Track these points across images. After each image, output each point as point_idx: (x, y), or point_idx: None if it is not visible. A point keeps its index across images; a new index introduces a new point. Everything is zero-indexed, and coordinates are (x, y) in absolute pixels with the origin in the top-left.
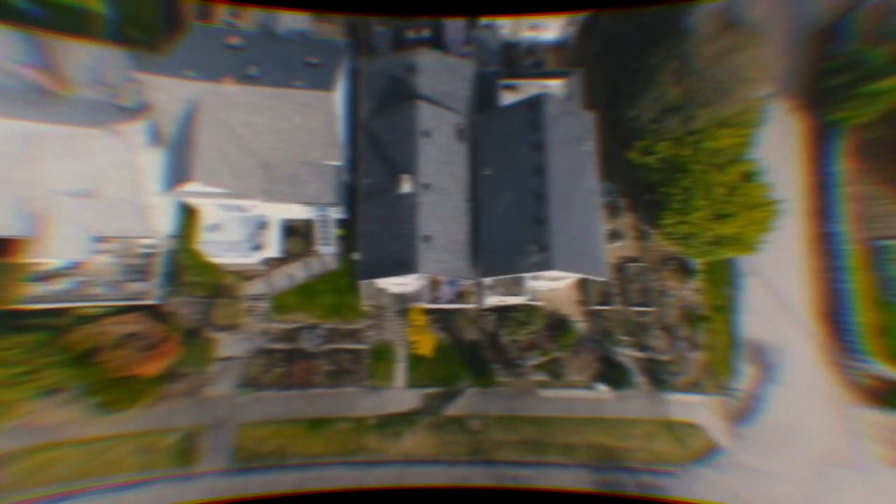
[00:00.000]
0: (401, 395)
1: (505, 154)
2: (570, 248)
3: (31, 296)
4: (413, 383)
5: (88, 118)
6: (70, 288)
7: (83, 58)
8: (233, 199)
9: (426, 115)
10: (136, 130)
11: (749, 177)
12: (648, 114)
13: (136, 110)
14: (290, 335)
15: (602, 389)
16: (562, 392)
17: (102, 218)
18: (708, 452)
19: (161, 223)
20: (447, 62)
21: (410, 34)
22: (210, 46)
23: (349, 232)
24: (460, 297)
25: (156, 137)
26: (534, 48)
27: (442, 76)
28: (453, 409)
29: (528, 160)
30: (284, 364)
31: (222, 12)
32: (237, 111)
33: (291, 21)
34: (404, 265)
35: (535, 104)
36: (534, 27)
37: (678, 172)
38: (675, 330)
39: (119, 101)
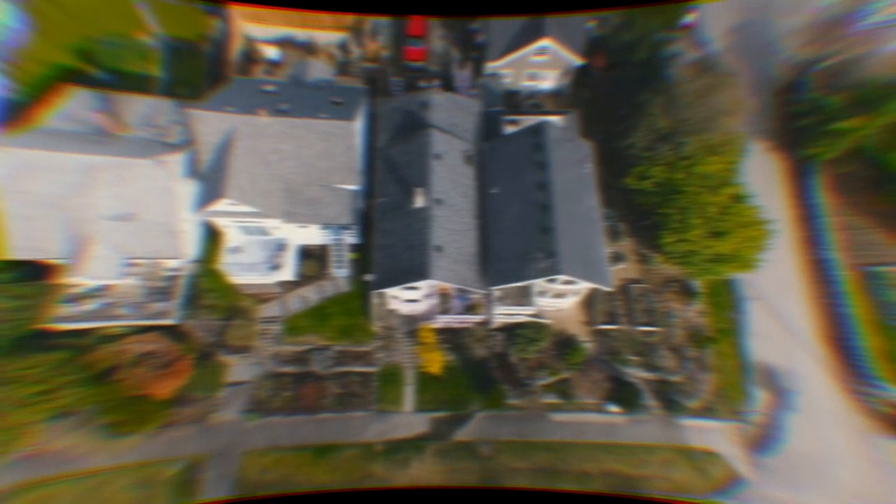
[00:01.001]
0: (409, 420)
1: (510, 174)
2: (575, 255)
3: (61, 316)
4: (421, 407)
5: (138, 151)
6: (97, 308)
7: (139, 107)
8: (258, 218)
9: (438, 140)
10: (176, 161)
11: (739, 199)
12: (641, 142)
13: (179, 145)
14: (300, 357)
15: (613, 410)
16: (573, 416)
17: (137, 239)
18: (731, 483)
19: (188, 245)
20: (456, 100)
21: (422, 83)
22: (247, 92)
23: (362, 255)
24: (470, 309)
25: (193, 167)
26: (533, 95)
27: (451, 111)
28: (462, 434)
29: (532, 178)
30: (293, 387)
31: (260, 69)
32: (267, 139)
33: (318, 72)
34: (417, 272)
35: (537, 130)
36: (533, 77)
37: (673, 194)
38: (682, 350)
39: (166, 139)
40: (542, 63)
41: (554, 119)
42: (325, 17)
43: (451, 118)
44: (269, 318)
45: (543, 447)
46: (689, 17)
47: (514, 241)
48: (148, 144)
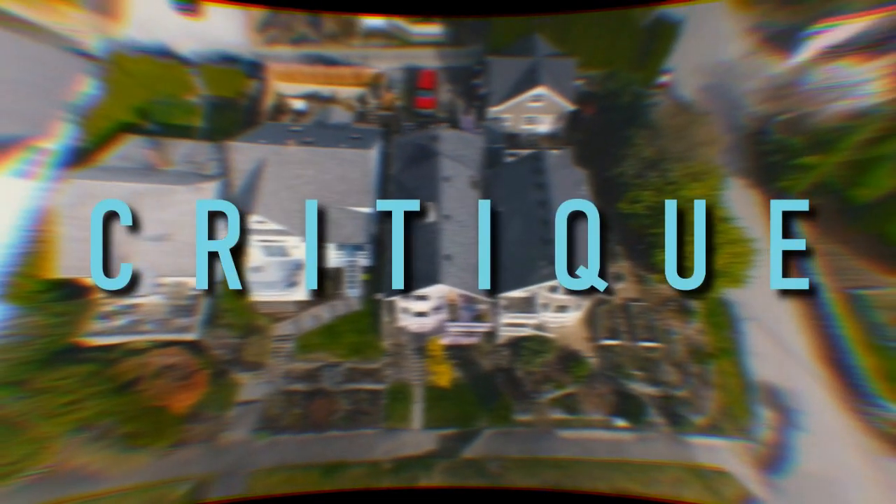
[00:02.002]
0: (417, 438)
1: (513, 194)
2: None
3: (93, 331)
4: (430, 424)
5: (178, 181)
6: (125, 324)
7: (182, 148)
8: (281, 235)
9: (446, 165)
10: (211, 187)
11: (724, 220)
12: (630, 170)
13: (214, 175)
14: (311, 374)
15: (620, 425)
16: (581, 432)
17: (169, 259)
18: (743, 503)
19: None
20: (462, 136)
21: (432, 127)
22: (277, 131)
23: (374, 276)
24: (478, 318)
25: (225, 193)
26: (531, 136)
27: (458, 145)
28: (470, 452)
29: (534, 196)
30: (304, 404)
31: (288, 118)
32: (292, 166)
33: (339, 117)
34: (429, 278)
35: (537, 156)
36: (530, 121)
37: (663, 215)
38: (684, 366)
39: (202, 171)
40: (538, 108)
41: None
42: (347, 73)
43: (458, 150)
44: (283, 335)
45: (552, 465)
46: (665, 78)
47: (519, 252)
48: (187, 175)
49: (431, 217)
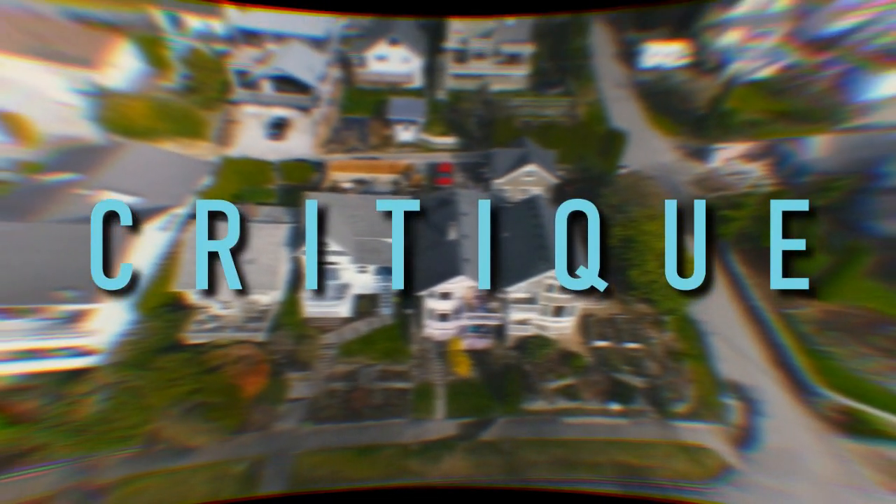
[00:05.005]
0: (440, 425)
1: (515, 225)
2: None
3: (191, 332)
4: (450, 415)
5: (263, 222)
6: (213, 328)
7: (265, 208)
8: (337, 257)
9: (464, 202)
10: (284, 226)
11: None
12: (603, 212)
13: (287, 221)
14: (350, 374)
15: (614, 408)
16: (582, 419)
17: (255, 277)
18: (723, 471)
19: (282, 284)
20: (473, 193)
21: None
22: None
23: (403, 299)
24: (490, 311)
25: (295, 231)
26: None
27: (471, 198)
28: (487, 436)
29: (531, 224)
30: (343, 398)
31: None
32: (350, 208)
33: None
34: (452, 273)
35: (533, 199)
36: (525, 192)
37: (632, 243)
38: (664, 361)
39: (279, 219)
40: (530, 181)
41: None
42: (384, 164)
43: (471, 200)
44: (329, 344)
45: (558, 444)
46: (622, 170)
47: (521, 259)
48: (270, 217)
49: (453, 235)
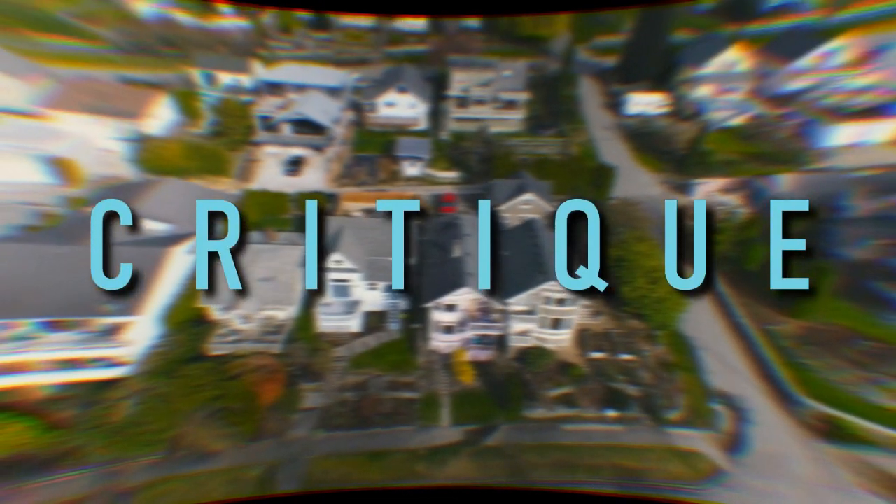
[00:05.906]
0: (446, 432)
1: (514, 245)
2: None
3: (214, 344)
4: (456, 422)
5: (282, 244)
6: (234, 340)
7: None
8: (349, 274)
9: (466, 225)
10: (301, 247)
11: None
12: None
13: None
14: (360, 385)
15: (610, 415)
16: (580, 426)
17: (272, 294)
18: (715, 474)
19: (298, 300)
20: (475, 218)
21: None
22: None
23: (409, 315)
24: (492, 321)
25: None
26: None
27: (472, 222)
28: (491, 441)
29: (529, 243)
30: (353, 406)
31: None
32: (361, 230)
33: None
34: (457, 285)
35: (530, 222)
36: (523, 219)
37: (622, 262)
38: (657, 371)
39: (297, 242)
40: (527, 209)
41: None
42: (392, 195)
43: (473, 224)
44: (340, 357)
45: (558, 448)
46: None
47: (520, 274)
48: (287, 241)
49: (457, 253)
